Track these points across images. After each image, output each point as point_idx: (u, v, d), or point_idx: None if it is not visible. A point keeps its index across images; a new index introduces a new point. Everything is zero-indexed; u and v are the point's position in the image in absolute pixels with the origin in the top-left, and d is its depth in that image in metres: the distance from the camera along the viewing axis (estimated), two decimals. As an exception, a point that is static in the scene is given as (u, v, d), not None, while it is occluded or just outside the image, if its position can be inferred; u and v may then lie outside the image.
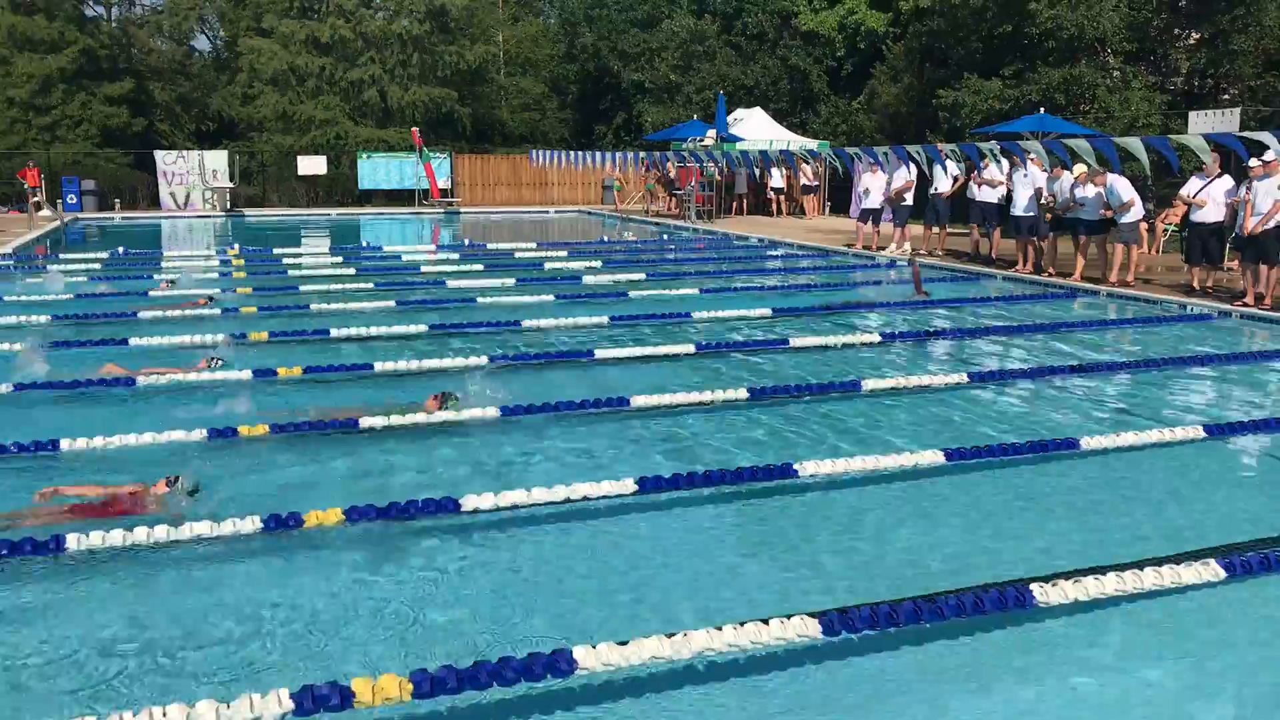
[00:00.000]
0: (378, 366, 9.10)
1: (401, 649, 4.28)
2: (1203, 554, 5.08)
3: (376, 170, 33.87)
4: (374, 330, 10.90)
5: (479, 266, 17.17)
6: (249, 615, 4.57)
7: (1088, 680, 4.13)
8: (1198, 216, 13.97)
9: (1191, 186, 14.21)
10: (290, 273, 16.58)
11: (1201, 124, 17.81)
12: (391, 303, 13.02)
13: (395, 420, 7.28)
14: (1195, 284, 14.21)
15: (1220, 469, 7.01)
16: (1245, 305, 12.82)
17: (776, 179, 30.41)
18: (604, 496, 5.83)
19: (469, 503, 5.58)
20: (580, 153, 29.09)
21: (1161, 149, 12.82)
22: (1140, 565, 4.86)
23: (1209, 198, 13.73)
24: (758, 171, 30.33)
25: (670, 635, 4.03)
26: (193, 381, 8.49)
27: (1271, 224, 12.66)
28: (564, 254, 19.31)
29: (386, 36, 36.93)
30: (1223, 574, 4.88)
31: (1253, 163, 12.74)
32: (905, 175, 19.05)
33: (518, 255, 19.32)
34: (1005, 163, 17.04)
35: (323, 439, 7.07)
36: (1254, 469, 7.15)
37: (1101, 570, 4.80)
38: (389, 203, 34.25)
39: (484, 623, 4.52)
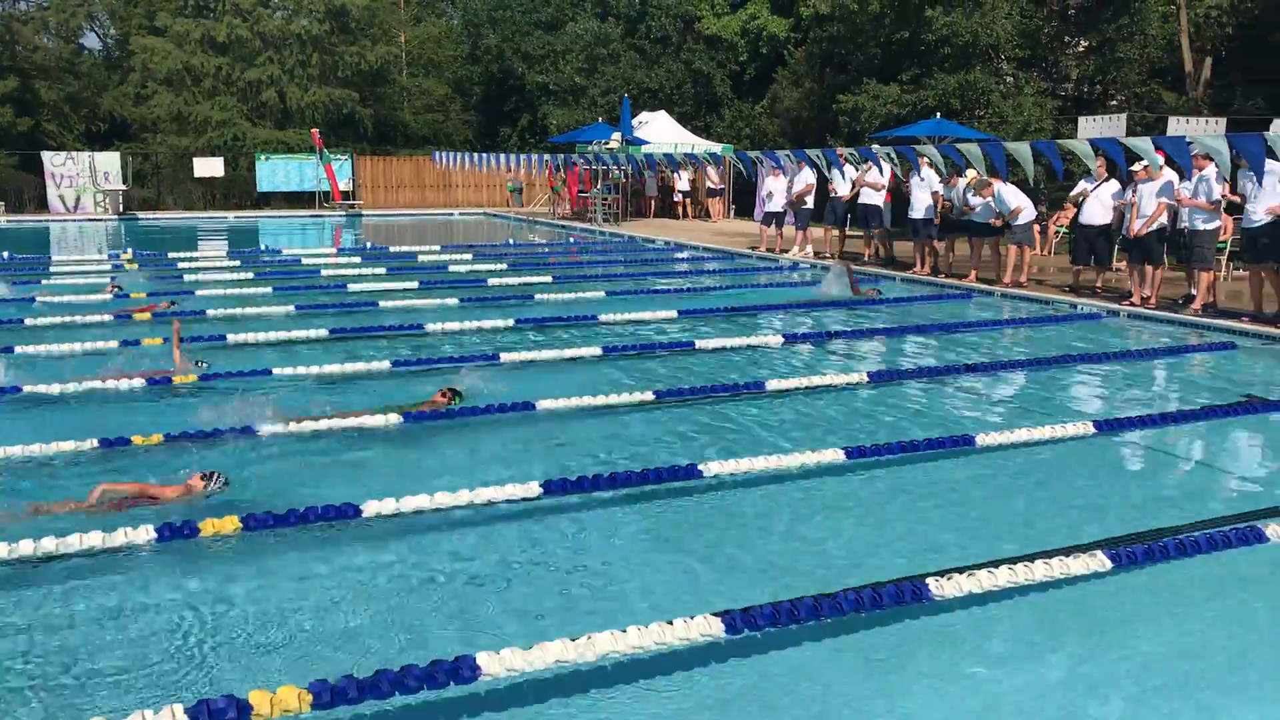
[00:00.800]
0: (275, 372, 8.94)
1: (301, 660, 4.21)
2: (1091, 546, 5.25)
3: (276, 172, 33.23)
4: (272, 335, 10.70)
5: (381, 270, 16.97)
6: (141, 628, 4.46)
7: (982, 670, 4.24)
8: (1084, 218, 14.45)
9: (1080, 187, 14.67)
10: (186, 278, 16.18)
11: (1090, 129, 18.39)
12: (290, 307, 12.79)
13: (294, 427, 7.16)
14: (1080, 282, 14.67)
15: (1108, 463, 7.26)
16: (1132, 305, 13.28)
17: (682, 182, 30.61)
18: (509, 500, 5.82)
19: (370, 508, 5.52)
20: (485, 154, 28.93)
21: (1048, 154, 13.24)
22: (1031, 558, 5.00)
23: (1096, 200, 14.20)
24: (662, 174, 30.50)
25: (574, 638, 4.03)
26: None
27: (1156, 226, 13.14)
28: (469, 257, 19.18)
29: (285, 36, 36.25)
30: (1109, 565, 5.05)
31: (1136, 167, 13.20)
32: (807, 179, 19.33)
33: (421, 258, 19.14)
34: (888, 166, 17.36)
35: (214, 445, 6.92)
36: (1140, 463, 7.42)
37: (995, 564, 4.93)
38: (289, 205, 33.63)
39: (385, 630, 4.48)
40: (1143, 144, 12.13)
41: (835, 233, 19.48)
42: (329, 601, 4.74)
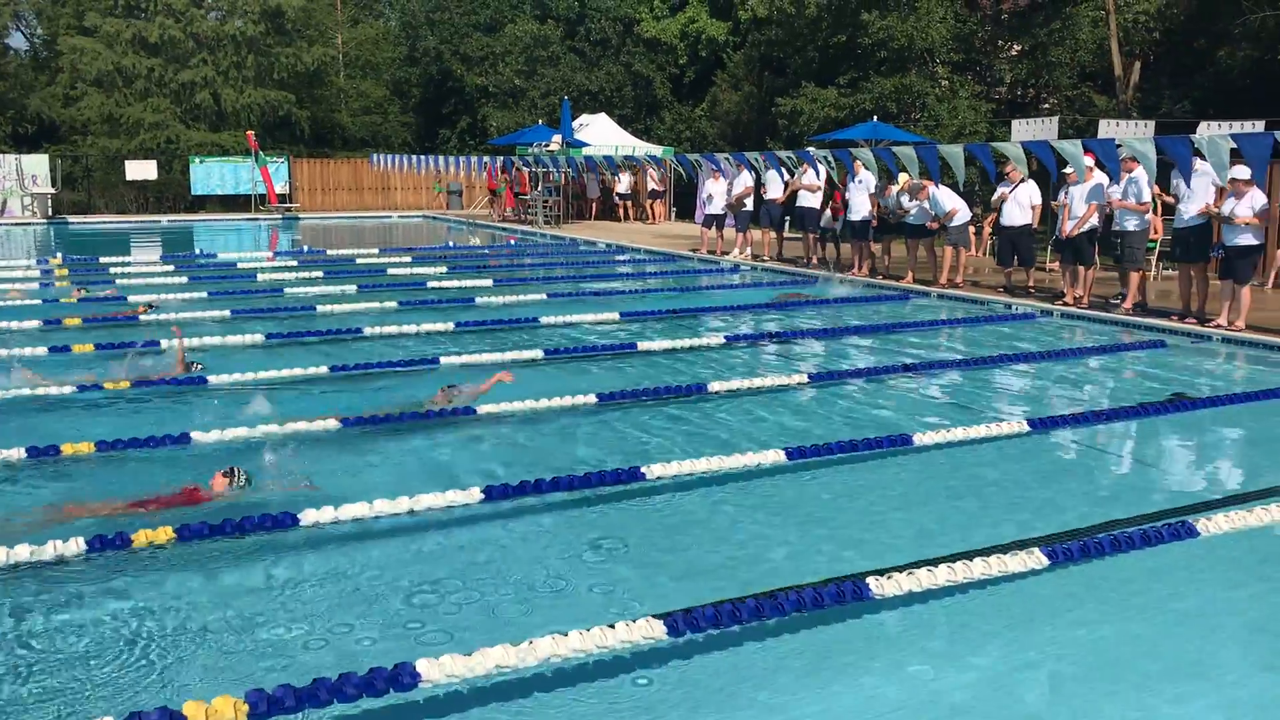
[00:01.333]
0: (212, 380, 8.79)
1: (237, 670, 4.14)
2: (1027, 543, 5.32)
3: (210, 175, 32.72)
4: (207, 340, 10.52)
5: (318, 273, 16.77)
6: (73, 640, 4.35)
7: (923, 668, 4.27)
8: (1004, 220, 14.72)
9: (1000, 190, 14.89)
10: (119, 282, 15.86)
11: (1023, 132, 18.66)
12: (226, 312, 12.59)
13: (230, 434, 7.05)
14: (1014, 282, 14.91)
15: (1043, 461, 7.37)
16: (1065, 305, 13.52)
17: (623, 184, 30.63)
18: (450, 507, 5.77)
19: (308, 517, 5.44)
20: (424, 157, 28.72)
21: (981, 157, 13.45)
22: (970, 556, 5.06)
23: (1014, 202, 14.44)
24: (603, 177, 30.49)
25: (515, 644, 4.01)
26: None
27: (1087, 227, 13.38)
28: (408, 260, 19.03)
29: (219, 37, 35.70)
30: (1046, 561, 5.12)
31: (1066, 170, 13.43)
32: (745, 181, 19.43)
33: (359, 261, 18.95)
34: (824, 169, 17.53)
35: (154, 455, 6.79)
36: (1073, 460, 7.54)
37: (934, 562, 4.98)
38: (224, 208, 33.14)
39: (324, 639, 4.41)
40: (1072, 147, 12.35)
41: (772, 235, 19.62)
42: (265, 611, 4.66)
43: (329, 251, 20.85)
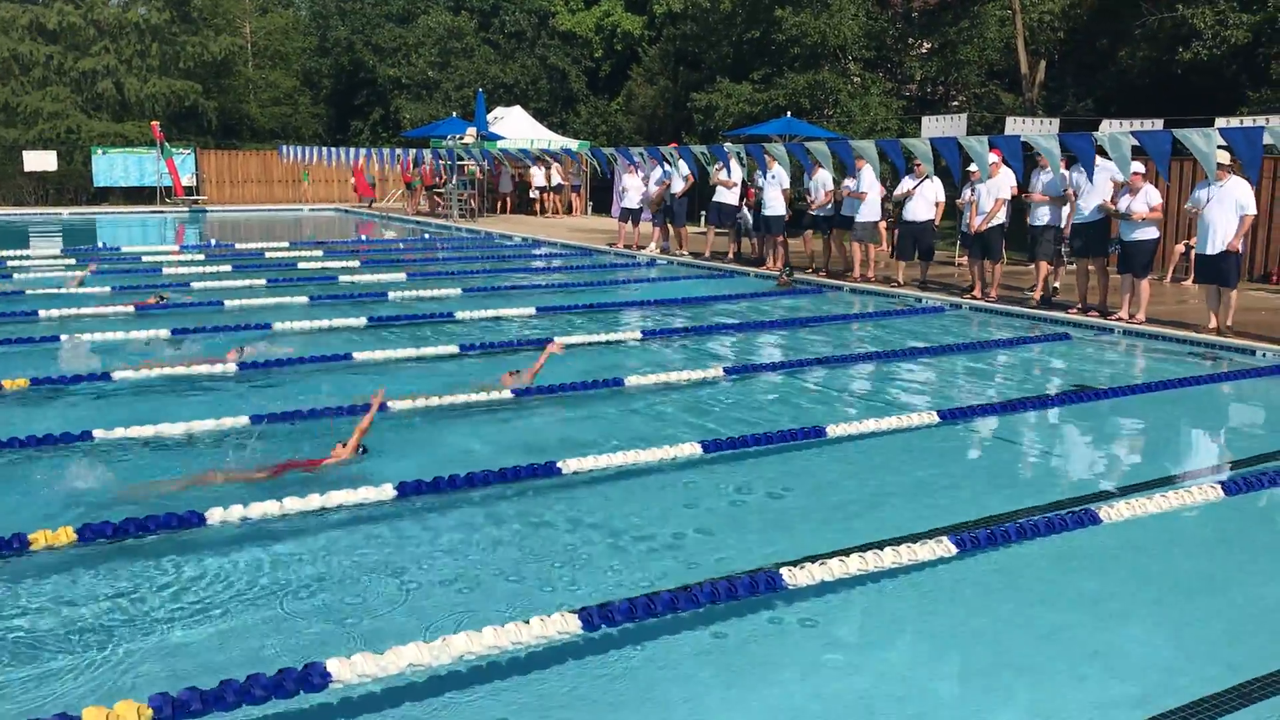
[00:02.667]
0: (116, 375, 8.55)
1: (140, 673, 4.03)
2: (937, 532, 5.42)
3: (114, 167, 31.84)
4: (110, 336, 10.23)
5: (227, 267, 16.42)
6: (-35, 650, 4.20)
7: (835, 656, 4.33)
8: (908, 215, 14.98)
9: (904, 185, 15.15)
10: (17, 276, 15.34)
11: (933, 128, 19.02)
12: (130, 307, 12.25)
13: (134, 432, 6.87)
14: (900, 278, 15.16)
15: (952, 451, 7.52)
16: (974, 298, 13.80)
17: (539, 178, 30.50)
18: (362, 504, 5.69)
19: (214, 516, 5.32)
20: (335, 149, 28.29)
21: (892, 154, 13.66)
22: (881, 545, 5.14)
23: (921, 197, 14.70)
24: (518, 170, 30.34)
25: (429, 641, 3.96)
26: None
27: (994, 222, 13.67)
28: (319, 254, 18.72)
29: (121, 25, 34.69)
30: (954, 550, 5.22)
31: (972, 167, 13.71)
32: (661, 176, 19.47)
33: (269, 255, 18.58)
34: (738, 166, 17.69)
35: (54, 454, 6.58)
36: (981, 450, 7.71)
37: (846, 552, 5.05)
38: (128, 201, 32.24)
39: (232, 640, 4.32)
40: (978, 144, 12.61)
41: (680, 230, 19.67)
42: (171, 612, 4.55)
43: (237, 245, 20.43)
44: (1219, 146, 10.70)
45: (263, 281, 14.67)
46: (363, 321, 11.57)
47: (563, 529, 5.68)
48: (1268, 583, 5.21)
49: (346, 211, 32.01)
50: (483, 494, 6.06)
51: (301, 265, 16.97)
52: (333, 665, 3.78)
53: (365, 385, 8.57)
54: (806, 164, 15.59)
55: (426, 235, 24.67)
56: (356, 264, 17.22)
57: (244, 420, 7.23)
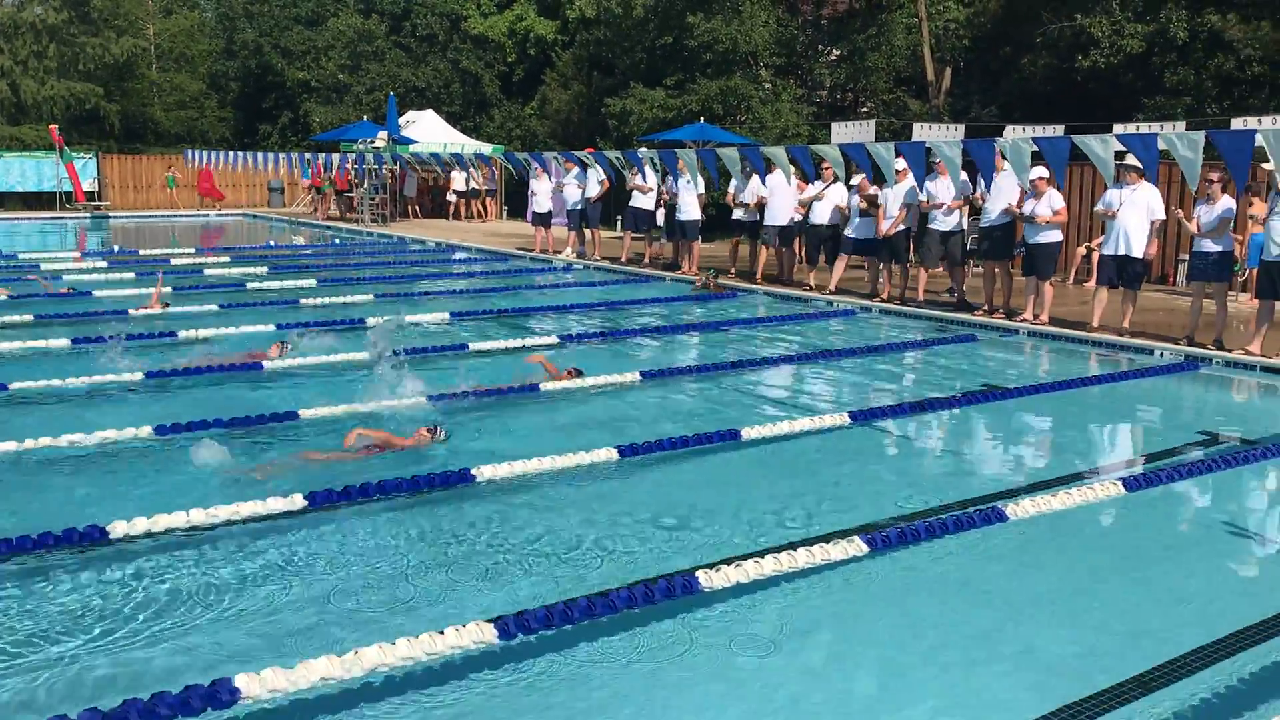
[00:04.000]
0: (13, 387, 8.27)
1: (37, 694, 3.89)
2: (849, 532, 5.50)
3: (10, 171, 30.84)
4: (6, 347, 9.90)
5: (130, 275, 15.99)
6: None
7: (750, 658, 4.36)
8: (814, 219, 15.21)
9: (812, 191, 15.36)
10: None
11: (843, 134, 19.30)
12: (29, 316, 11.87)
13: (31, 444, 6.66)
14: (812, 281, 15.33)
15: (863, 452, 7.63)
16: (882, 301, 14.03)
17: (455, 182, 30.25)
18: (270, 515, 5.58)
19: (118, 529, 5.17)
20: (243, 153, 27.77)
21: (801, 159, 13.85)
22: (794, 546, 5.20)
23: (828, 202, 14.92)
24: (432, 174, 30.10)
25: (340, 654, 3.90)
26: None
27: (902, 227, 13.92)
28: (226, 260, 18.34)
29: (17, 25, 33.60)
30: (866, 549, 5.30)
31: (855, 180, 13.98)
32: (576, 180, 19.45)
33: (175, 262, 18.14)
34: (652, 172, 17.80)
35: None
36: (892, 450, 7.83)
37: (760, 554, 5.09)
38: (26, 207, 31.22)
39: (136, 656, 4.20)
40: (885, 150, 12.82)
41: (595, 234, 19.66)
42: (70, 630, 4.40)
43: (141, 251, 19.91)
44: (1118, 151, 11.03)
45: (168, 289, 14.31)
46: (271, 328, 11.35)
47: (478, 537, 5.63)
48: (1167, 575, 5.38)
49: (255, 217, 31.40)
50: (395, 503, 5.98)
51: (209, 272, 16.60)
52: (241, 681, 3.70)
53: (275, 395, 8.44)
54: (715, 173, 15.70)
55: (338, 240, 24.32)
56: (264, 270, 16.90)
57: (147, 431, 7.03)
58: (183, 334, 10.91)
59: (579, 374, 8.93)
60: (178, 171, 32.15)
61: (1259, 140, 9.72)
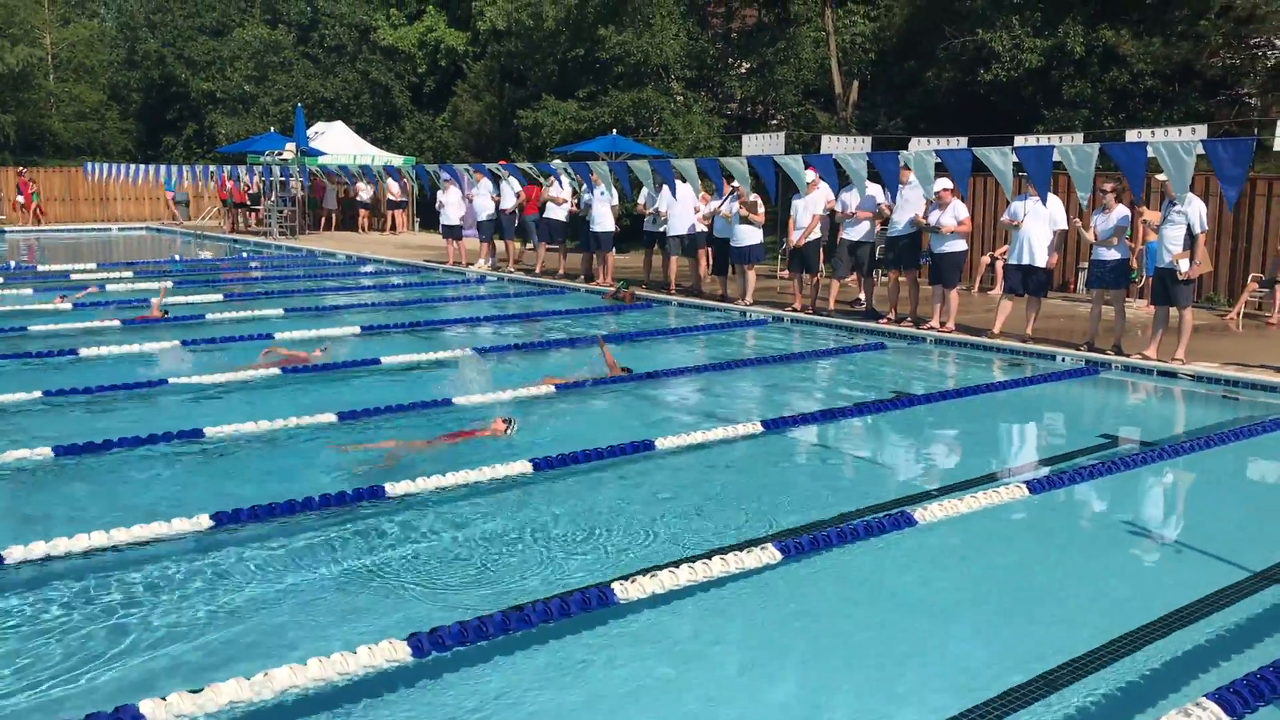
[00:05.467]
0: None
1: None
2: (762, 540, 5.55)
3: (-104, 184, 29.67)
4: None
5: (28, 290, 15.51)
6: None
7: (668, 669, 4.37)
8: (717, 232, 15.39)
9: (714, 205, 15.53)
10: None
11: (753, 146, 19.49)
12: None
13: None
14: (723, 291, 15.62)
15: (776, 460, 7.71)
16: (794, 311, 14.20)
17: (367, 193, 29.89)
18: (176, 537, 5.45)
19: (13, 554, 5.01)
20: (146, 166, 27.13)
21: (711, 172, 13.98)
22: (709, 555, 5.23)
23: (730, 212, 15.09)
24: (341, 186, 29.73)
25: (249, 677, 3.82)
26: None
27: (812, 238, 14.12)
28: (129, 275, 17.88)
29: (-96, 32, 32.44)
30: (779, 556, 5.36)
31: (739, 189, 14.21)
32: (488, 192, 19.37)
33: (75, 277, 17.64)
34: (566, 182, 17.84)
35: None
36: (804, 458, 7.93)
37: (675, 563, 5.11)
38: (-85, 221, 30.12)
39: (33, 684, 4.06)
40: (794, 162, 13.01)
41: (516, 245, 19.65)
42: (-34, 662, 4.26)
43: (39, 267, 19.33)
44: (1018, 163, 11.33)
45: (68, 305, 13.92)
46: (175, 344, 11.10)
47: (390, 554, 5.57)
48: (1071, 575, 5.53)
49: (159, 231, 30.68)
50: (305, 520, 5.88)
51: (111, 288, 16.17)
52: (146, 707, 3.61)
53: (180, 412, 8.26)
54: (627, 185, 15.76)
55: (244, 254, 23.87)
56: (170, 285, 16.52)
57: (46, 451, 6.82)
58: (84, 351, 10.61)
59: (629, 371, 9.79)
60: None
61: (1151, 151, 10.07)
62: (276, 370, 9.87)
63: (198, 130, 38.36)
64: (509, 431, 7.60)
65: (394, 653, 4.12)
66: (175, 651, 4.39)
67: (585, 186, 16.96)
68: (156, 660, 4.31)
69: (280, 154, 28.07)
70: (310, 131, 28.89)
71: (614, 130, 24.17)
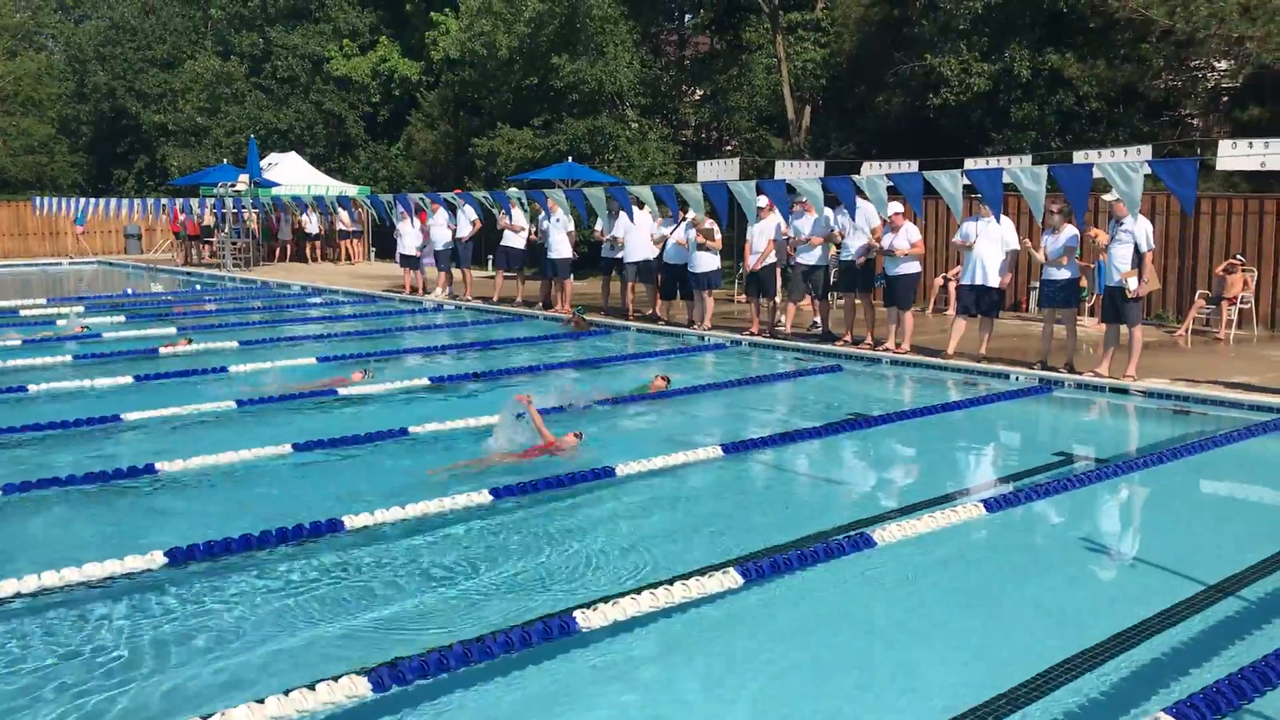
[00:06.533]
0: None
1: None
2: (724, 565, 5.55)
3: None
4: None
5: (-22, 327, 15.27)
6: None
7: (631, 696, 4.35)
8: (668, 258, 15.48)
9: (665, 230, 15.63)
10: None
11: (708, 172, 19.60)
12: None
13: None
14: (661, 313, 15.87)
15: (737, 483, 7.73)
16: (752, 335, 14.27)
17: (314, 225, 29.71)
18: (128, 575, 5.36)
19: (-37, 598, 4.91)
20: (97, 200, 26.83)
21: (667, 199, 14.06)
22: (671, 581, 5.22)
23: (684, 237, 15.18)
24: (295, 217, 29.56)
25: (206, 717, 3.76)
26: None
27: (768, 262, 14.22)
28: (80, 310, 17.64)
29: None
30: (741, 580, 5.36)
31: (693, 216, 14.35)
32: (445, 220, 19.32)
33: (24, 313, 17.38)
34: (521, 211, 17.88)
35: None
36: (765, 481, 7.95)
37: (637, 590, 5.10)
38: None
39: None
40: (746, 189, 13.10)
41: (466, 274, 19.54)
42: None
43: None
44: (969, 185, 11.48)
45: (18, 341, 13.70)
46: (129, 379, 10.95)
47: (348, 587, 5.51)
48: (1029, 592, 5.58)
49: (110, 265, 30.31)
50: (263, 555, 5.81)
51: (61, 323, 15.94)
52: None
53: (132, 449, 8.16)
54: (584, 211, 15.79)
55: (198, 287, 23.65)
56: (122, 319, 16.33)
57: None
58: (33, 388, 10.44)
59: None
60: None
61: (1098, 172, 10.24)
62: (229, 405, 9.75)
63: (149, 163, 38.01)
64: (581, 443, 8.04)
65: (354, 688, 4.07)
66: (128, 691, 4.31)
67: (544, 214, 16.97)
68: (110, 701, 4.22)
69: (234, 186, 27.86)
70: (264, 163, 28.70)
71: (570, 158, 24.23)
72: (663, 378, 10.59)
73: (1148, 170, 10.07)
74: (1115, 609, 5.17)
